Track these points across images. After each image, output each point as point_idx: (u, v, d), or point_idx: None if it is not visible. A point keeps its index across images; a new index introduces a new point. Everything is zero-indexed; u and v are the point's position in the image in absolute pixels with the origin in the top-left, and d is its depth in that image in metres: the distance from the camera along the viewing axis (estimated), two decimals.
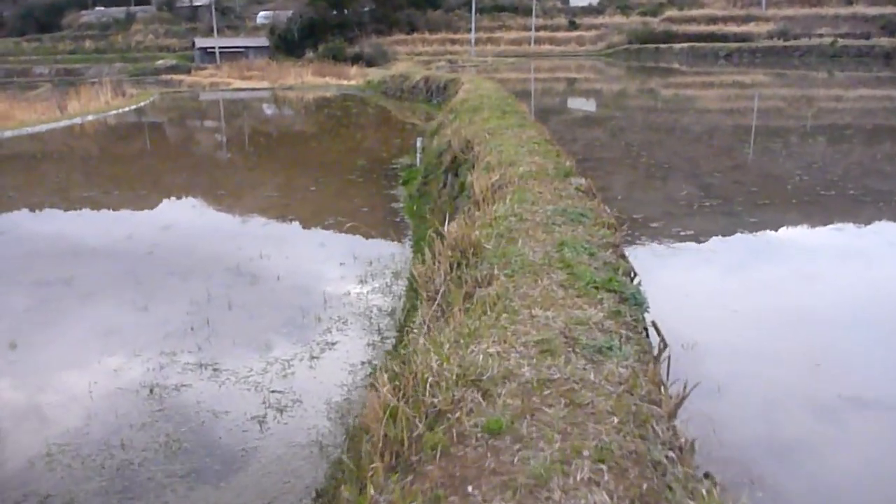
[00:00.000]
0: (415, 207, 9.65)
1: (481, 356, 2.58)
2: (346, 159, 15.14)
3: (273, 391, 4.91)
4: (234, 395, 4.90)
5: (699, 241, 8.07)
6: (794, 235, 8.43)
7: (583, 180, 5.34)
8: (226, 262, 7.77)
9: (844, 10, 69.54)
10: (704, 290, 6.39)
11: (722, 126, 20.08)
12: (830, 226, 8.80)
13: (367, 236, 8.81)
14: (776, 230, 8.55)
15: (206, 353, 5.56)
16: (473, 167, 6.96)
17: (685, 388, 2.54)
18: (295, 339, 5.74)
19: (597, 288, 3.01)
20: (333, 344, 5.61)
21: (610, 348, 2.59)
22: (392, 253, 7.90)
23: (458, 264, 3.69)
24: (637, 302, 2.98)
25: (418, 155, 13.31)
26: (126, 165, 16.01)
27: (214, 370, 5.28)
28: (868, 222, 8.80)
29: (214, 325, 6.09)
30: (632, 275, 3.54)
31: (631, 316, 2.87)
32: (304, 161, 15.41)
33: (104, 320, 6.38)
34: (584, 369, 2.49)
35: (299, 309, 6.35)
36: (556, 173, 5.54)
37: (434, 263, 3.89)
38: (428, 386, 2.43)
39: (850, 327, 5.50)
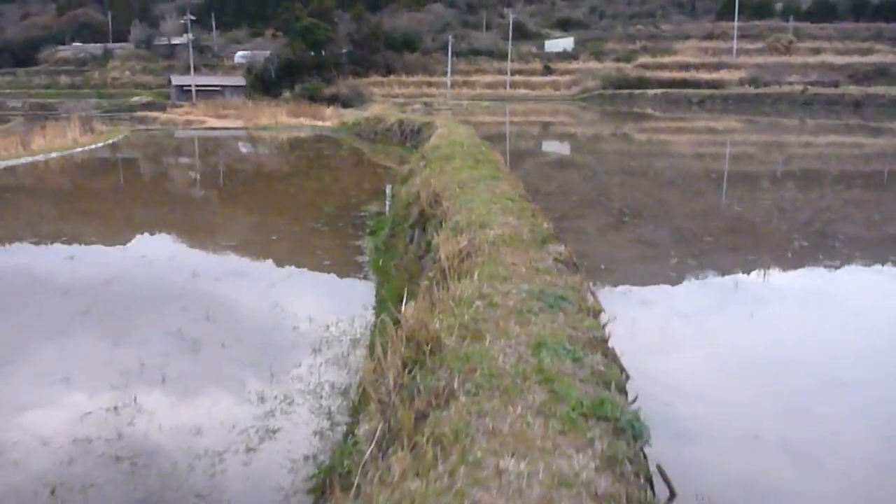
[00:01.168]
0: (381, 262, 8.98)
1: None
2: (313, 205, 14.48)
3: (197, 496, 4.15)
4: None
5: (672, 285, 8.03)
6: (766, 279, 8.40)
7: (562, 247, 4.72)
8: (167, 325, 7.00)
9: (812, 59, 71.13)
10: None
11: (695, 171, 20.15)
12: (801, 269, 8.92)
13: (326, 295, 8.11)
14: (748, 273, 8.57)
15: (125, 443, 4.78)
16: (441, 225, 6.33)
17: None
18: (231, 425, 4.98)
19: (585, 415, 2.35)
20: (275, 432, 4.86)
21: None
22: (352, 315, 7.19)
23: (414, 363, 3.02)
24: (636, 433, 2.33)
25: (387, 202, 12.71)
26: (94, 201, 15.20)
27: (132, 464, 4.51)
28: (838, 266, 8.95)
29: (142, 403, 5.32)
30: (623, 376, 2.91)
31: (631, 460, 2.21)
32: (269, 207, 14.69)
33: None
34: None
35: (241, 384, 5.60)
36: (531, 238, 4.92)
37: (386, 358, 3.22)
38: None
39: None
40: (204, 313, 7.30)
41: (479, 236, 4.95)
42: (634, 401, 2.86)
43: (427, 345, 2.98)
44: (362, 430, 3.35)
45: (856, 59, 69.74)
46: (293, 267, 9.46)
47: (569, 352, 2.89)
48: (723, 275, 8.47)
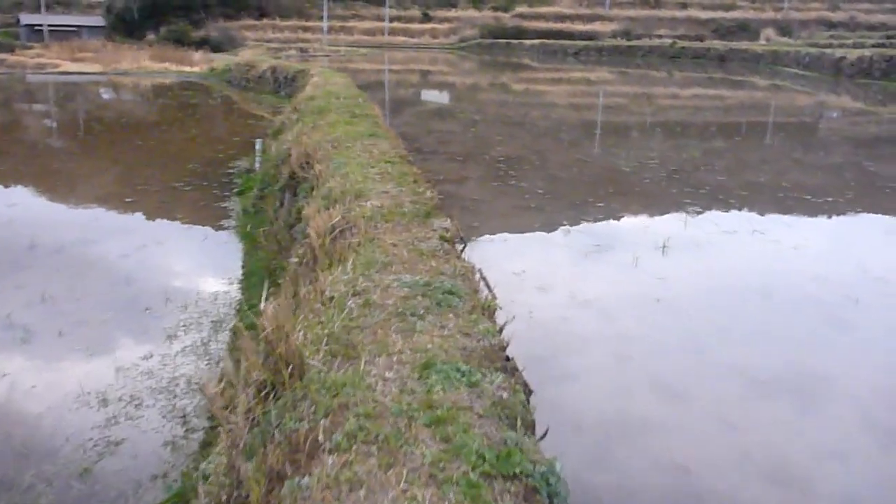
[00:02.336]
0: (248, 227, 8.19)
1: None
2: (177, 159, 13.27)
3: None
4: None
5: (547, 231, 8.31)
6: (636, 224, 8.94)
7: (447, 222, 4.21)
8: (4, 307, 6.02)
9: (680, 14, 73.70)
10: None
11: (570, 120, 20.46)
12: (668, 215, 9.34)
13: (186, 269, 7.28)
14: (618, 220, 9.10)
15: None
16: (313, 191, 5.66)
17: None
18: (64, 438, 4.21)
19: (489, 475, 1.86)
20: (118, 444, 4.14)
21: None
22: (215, 292, 6.44)
23: (272, 387, 2.44)
24: (552, 492, 1.87)
25: (257, 158, 11.78)
26: None
27: None
28: (701, 212, 9.42)
29: None
30: (528, 400, 2.45)
31: None
32: (126, 163, 13.31)
33: None
34: None
35: (79, 383, 4.80)
36: (413, 211, 4.37)
37: (238, 379, 2.62)
38: None
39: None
40: (40, 292, 6.34)
41: (354, 209, 4.35)
42: (545, 435, 2.42)
43: (287, 366, 2.41)
44: (212, 464, 2.75)
45: (720, 14, 72.85)
46: (149, 234, 8.48)
47: (464, 375, 2.40)
48: (595, 220, 8.97)
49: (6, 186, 11.55)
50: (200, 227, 8.87)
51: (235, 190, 10.52)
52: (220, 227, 8.73)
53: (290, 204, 6.78)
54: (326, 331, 2.74)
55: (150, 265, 7.39)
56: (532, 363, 3.03)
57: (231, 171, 11.92)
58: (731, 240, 8.15)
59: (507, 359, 2.70)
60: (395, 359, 2.53)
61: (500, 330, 2.92)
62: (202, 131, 17.78)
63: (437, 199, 4.93)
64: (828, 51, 36.78)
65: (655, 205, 9.87)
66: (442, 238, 3.88)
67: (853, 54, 32.67)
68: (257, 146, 12.02)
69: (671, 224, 8.80)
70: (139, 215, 9.53)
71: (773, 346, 5.30)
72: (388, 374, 2.42)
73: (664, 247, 7.52)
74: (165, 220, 9.20)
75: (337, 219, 4.13)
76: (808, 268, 7.19)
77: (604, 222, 8.90)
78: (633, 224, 8.92)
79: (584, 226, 8.60)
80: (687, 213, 9.31)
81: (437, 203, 4.90)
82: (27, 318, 5.88)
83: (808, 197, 10.54)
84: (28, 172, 12.55)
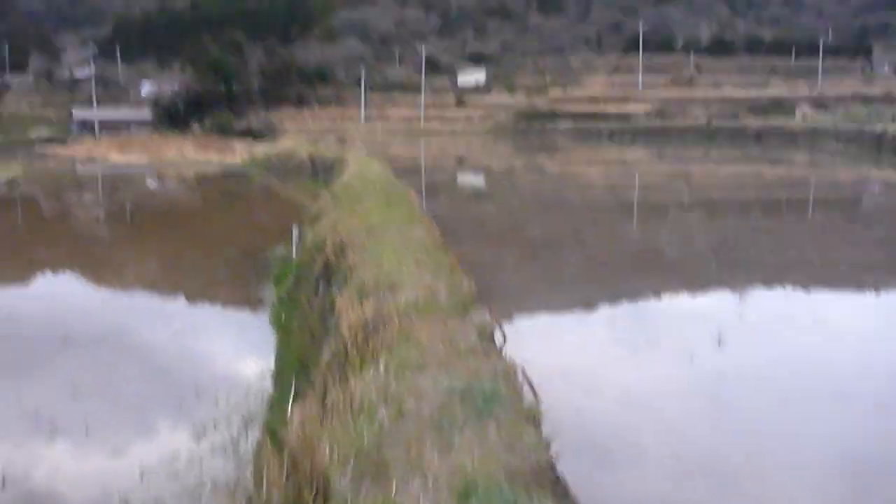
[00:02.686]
0: (282, 316, 8.04)
1: None
2: (215, 249, 13.36)
3: None
4: None
5: (590, 316, 8.18)
6: (676, 302, 8.80)
7: (486, 316, 3.98)
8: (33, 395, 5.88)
9: (714, 93, 74.20)
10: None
11: (606, 201, 20.33)
12: (713, 294, 9.21)
13: (218, 359, 7.12)
14: (663, 301, 8.97)
15: None
16: (346, 280, 5.51)
17: None
18: None
19: None
20: None
21: None
22: (247, 386, 6.24)
23: None
24: None
25: (294, 245, 11.72)
26: None
27: None
28: (743, 288, 9.18)
29: None
30: None
31: None
32: (166, 253, 13.40)
33: None
34: None
35: (101, 486, 4.58)
36: (450, 304, 4.16)
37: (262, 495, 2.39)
38: None
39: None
40: (72, 385, 6.20)
41: (387, 303, 4.16)
42: None
43: (312, 488, 2.17)
44: None
45: (753, 92, 73.21)
46: (186, 321, 8.39)
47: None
48: (634, 299, 8.82)
49: (55, 273, 11.91)
50: (236, 314, 8.79)
51: (272, 277, 10.45)
52: (255, 316, 8.60)
53: (325, 293, 6.63)
54: (356, 446, 2.50)
55: (184, 355, 7.27)
56: (583, 481, 2.73)
57: (268, 257, 11.92)
58: (782, 325, 7.77)
59: (557, 478, 2.42)
60: (430, 482, 2.26)
61: (548, 444, 2.64)
62: (242, 218, 18.01)
63: (474, 289, 4.72)
64: (867, 126, 36.44)
65: (699, 285, 9.59)
66: (480, 334, 3.66)
67: (893, 128, 32.26)
68: (294, 233, 12.01)
69: (717, 306, 8.48)
70: (178, 302, 9.50)
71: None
72: (422, 502, 2.16)
73: (718, 339, 7.06)
74: (203, 307, 9.16)
75: (370, 314, 3.94)
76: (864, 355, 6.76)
77: (648, 303, 8.66)
78: (678, 307, 8.63)
79: (628, 309, 8.37)
80: (732, 292, 9.02)
81: (475, 293, 4.69)
82: (56, 413, 5.73)
83: (854, 271, 10.28)
84: (75, 260, 12.86)
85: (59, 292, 10.39)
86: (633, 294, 9.05)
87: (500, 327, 3.96)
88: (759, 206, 18.75)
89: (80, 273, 11.69)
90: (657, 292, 9.16)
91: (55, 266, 12.21)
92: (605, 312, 8.13)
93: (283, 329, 7.68)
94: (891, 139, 31.24)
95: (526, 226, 14.96)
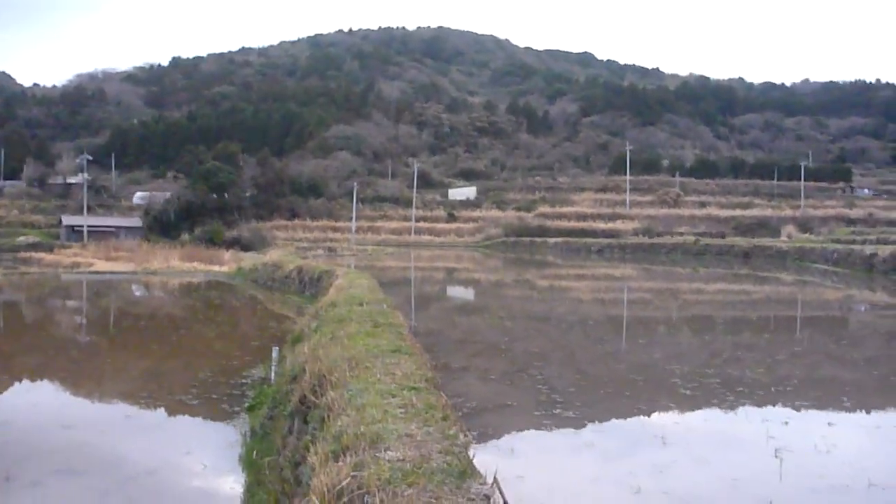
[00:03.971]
0: (255, 453, 7.24)
1: None
2: (187, 368, 12.57)
3: None
4: None
5: (577, 429, 7.99)
6: (666, 421, 8.51)
7: (488, 487, 3.31)
8: None
9: (699, 212, 75.66)
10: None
11: (595, 316, 20.01)
12: (699, 411, 9.01)
13: None
14: (649, 416, 8.78)
15: None
16: (323, 425, 4.83)
17: None
18: None
19: None
20: None
21: None
22: None
23: None
24: None
25: (273, 367, 11.00)
26: None
27: None
28: (732, 408, 8.99)
29: None
30: None
31: None
32: (127, 374, 12.57)
33: None
34: None
35: None
36: (443, 468, 3.50)
37: None
38: None
39: None
40: None
41: (368, 466, 3.48)
42: None
43: None
44: None
45: (738, 212, 74.71)
46: (142, 463, 7.53)
47: None
48: (625, 418, 8.69)
49: (32, 381, 11.77)
50: (202, 452, 7.94)
51: (247, 404, 9.67)
52: (221, 456, 7.77)
53: (300, 433, 5.91)
54: None
55: None
56: None
57: (244, 381, 11.17)
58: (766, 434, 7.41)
59: None
60: None
61: None
62: (219, 335, 17.25)
63: (471, 441, 4.06)
64: (856, 247, 36.61)
65: (685, 401, 9.36)
66: None
67: (884, 250, 32.36)
68: (273, 354, 11.31)
69: (712, 424, 8.29)
70: (134, 435, 8.65)
71: None
72: None
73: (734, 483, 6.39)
74: (163, 444, 8.29)
75: (345, 480, 3.27)
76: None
77: (641, 430, 8.22)
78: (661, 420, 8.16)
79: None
80: (724, 411, 8.84)
81: (472, 444, 4.02)
82: None
83: (843, 390, 10.08)
84: (55, 367, 12.77)
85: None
86: (628, 417, 8.82)
87: (503, 498, 3.29)
88: (745, 323, 18.50)
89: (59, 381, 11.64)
90: (646, 413, 9.00)
91: (35, 374, 12.30)
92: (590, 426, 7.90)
93: (254, 468, 6.87)
94: (881, 261, 31.25)
95: (515, 338, 14.94)
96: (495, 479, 3.36)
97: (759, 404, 9.13)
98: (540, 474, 6.31)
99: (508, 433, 7.83)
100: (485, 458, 4.33)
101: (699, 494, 5.75)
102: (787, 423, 8.16)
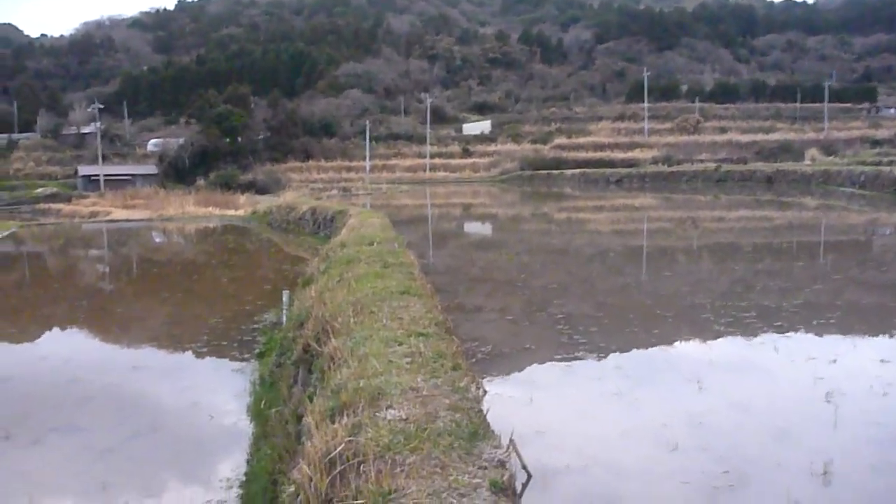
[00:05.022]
0: (262, 403, 6.95)
1: None
2: (198, 315, 12.33)
3: None
4: None
5: (601, 376, 7.61)
6: (688, 349, 8.51)
7: (502, 451, 2.90)
8: None
9: (720, 138, 73.78)
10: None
11: (614, 247, 19.63)
12: (721, 339, 8.83)
13: (175, 471, 6.01)
14: (680, 358, 8.39)
15: None
16: (323, 377, 4.45)
17: None
18: None
19: None
20: None
21: None
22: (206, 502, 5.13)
23: None
24: None
25: (284, 311, 10.69)
26: None
27: None
28: (755, 334, 8.93)
29: None
30: None
31: None
32: (141, 319, 12.36)
33: None
34: None
35: None
36: (451, 429, 3.09)
37: None
38: None
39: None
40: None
41: (366, 428, 3.09)
42: None
43: None
44: None
45: (760, 136, 72.74)
46: (145, 417, 7.27)
47: None
48: (647, 347, 8.59)
49: (62, 329, 11.87)
50: (208, 401, 7.67)
51: (256, 350, 9.40)
52: (229, 406, 7.50)
53: (305, 383, 5.57)
54: None
55: (140, 460, 6.16)
56: None
57: (256, 325, 10.90)
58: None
59: None
60: None
61: None
62: (232, 279, 16.99)
63: (483, 391, 3.66)
64: (884, 168, 35.48)
65: (708, 328, 9.17)
66: (493, 486, 2.59)
67: None
68: (284, 298, 10.98)
69: (750, 363, 7.84)
70: (144, 384, 8.41)
71: None
72: None
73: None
74: (172, 393, 8.05)
75: (340, 446, 2.89)
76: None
77: (673, 375, 7.69)
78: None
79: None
80: (763, 348, 8.38)
81: (485, 397, 3.62)
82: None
83: (891, 322, 9.81)
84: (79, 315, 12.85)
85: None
86: (647, 347, 8.72)
87: (524, 466, 2.88)
88: (768, 250, 18.08)
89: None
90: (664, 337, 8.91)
91: (63, 321, 12.47)
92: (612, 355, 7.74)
93: (260, 420, 6.58)
94: None
95: (532, 271, 14.74)
96: (511, 440, 2.95)
97: (801, 340, 8.64)
98: (562, 429, 5.77)
99: (527, 381, 7.44)
100: (500, 410, 3.92)
101: (743, 452, 5.17)
102: (834, 360, 7.57)
